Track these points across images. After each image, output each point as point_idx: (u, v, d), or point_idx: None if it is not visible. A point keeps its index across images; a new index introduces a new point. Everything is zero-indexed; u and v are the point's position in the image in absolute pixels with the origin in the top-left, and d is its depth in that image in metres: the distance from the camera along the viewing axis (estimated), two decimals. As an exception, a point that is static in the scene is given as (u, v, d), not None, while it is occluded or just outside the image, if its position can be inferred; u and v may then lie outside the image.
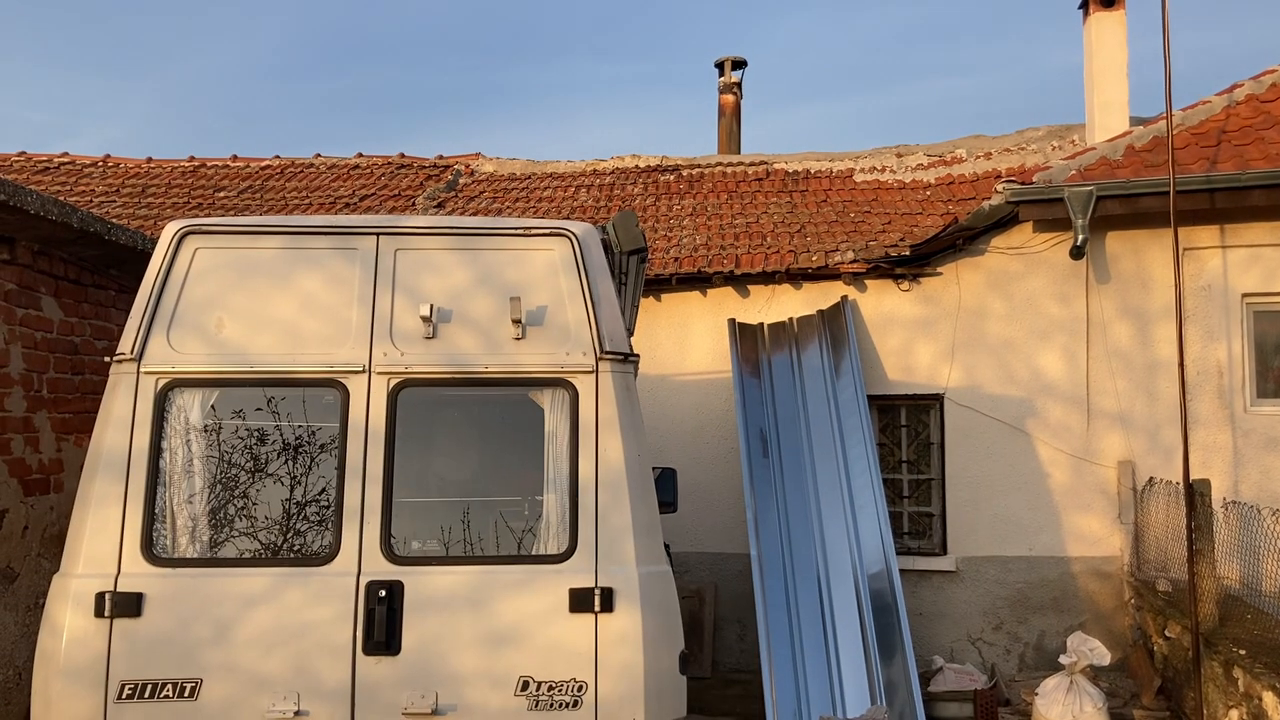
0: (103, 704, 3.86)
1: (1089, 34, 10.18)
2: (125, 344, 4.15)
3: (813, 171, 12.15)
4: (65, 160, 13.69)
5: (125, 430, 4.07)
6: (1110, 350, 8.57)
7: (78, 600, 3.92)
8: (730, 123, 14.36)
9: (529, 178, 12.83)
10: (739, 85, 14.44)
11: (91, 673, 3.87)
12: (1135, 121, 9.82)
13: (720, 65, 14.48)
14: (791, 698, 7.31)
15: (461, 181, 12.69)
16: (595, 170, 12.99)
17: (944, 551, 8.83)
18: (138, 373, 4.11)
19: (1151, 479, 8.16)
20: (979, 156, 11.73)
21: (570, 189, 12.22)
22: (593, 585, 3.99)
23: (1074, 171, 8.23)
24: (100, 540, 3.98)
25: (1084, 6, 10.24)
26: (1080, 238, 8.03)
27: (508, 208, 11.51)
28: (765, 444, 8.49)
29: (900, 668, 7.47)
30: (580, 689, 3.94)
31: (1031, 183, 8.15)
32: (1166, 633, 7.22)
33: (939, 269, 8.94)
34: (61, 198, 5.99)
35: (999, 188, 8.20)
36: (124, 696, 3.87)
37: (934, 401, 8.98)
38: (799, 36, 55.31)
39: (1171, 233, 6.64)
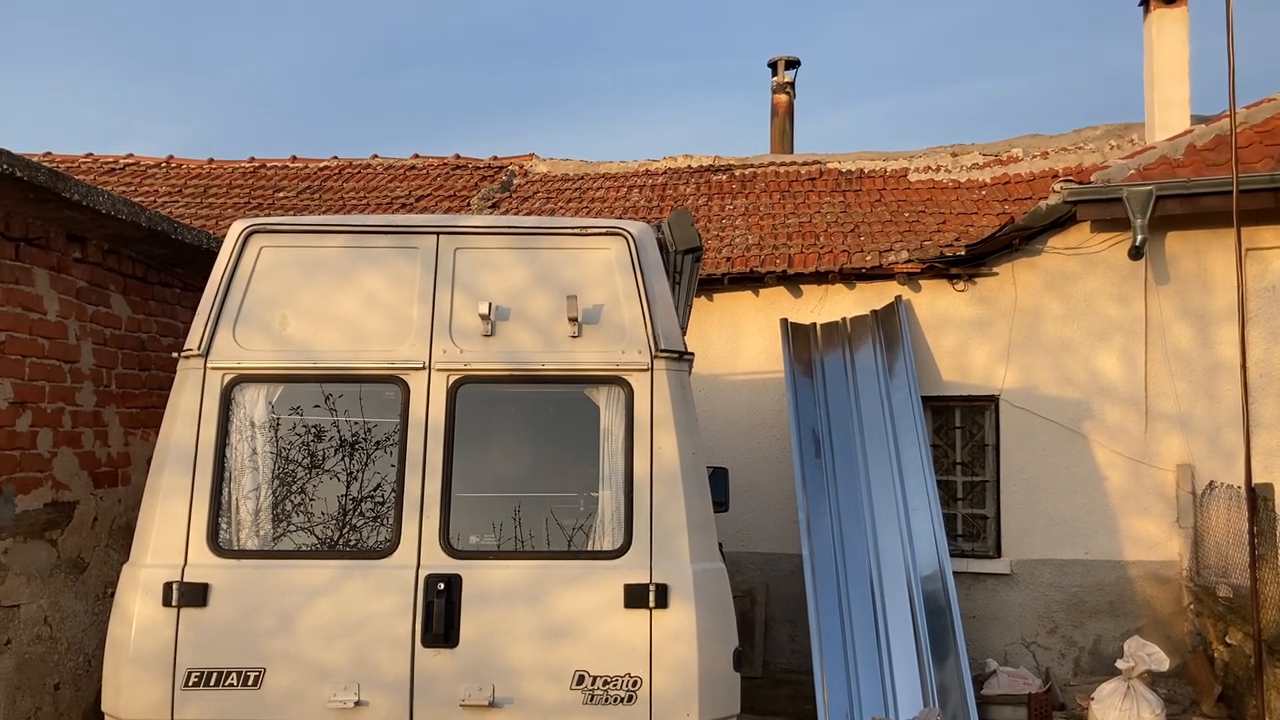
0: (170, 691, 3.96)
1: (1149, 31, 10.04)
2: (192, 340, 4.24)
3: (866, 171, 12.10)
4: (130, 161, 14.00)
5: (192, 424, 4.17)
6: (1170, 352, 8.44)
7: (146, 590, 4.02)
8: (783, 122, 14.33)
9: (582, 178, 12.89)
10: (792, 85, 14.41)
11: (160, 660, 3.97)
12: (1196, 120, 9.67)
13: (773, 65, 14.45)
14: (844, 699, 7.29)
15: (516, 182, 12.79)
16: (648, 170, 13.02)
17: (998, 554, 8.76)
18: (204, 368, 4.21)
19: (1212, 483, 8.03)
20: (1035, 156, 11.61)
21: (623, 189, 12.27)
22: (647, 581, 4.02)
23: (1133, 171, 8.12)
24: (168, 532, 4.08)
25: (1144, 3, 10.11)
26: (1139, 238, 7.92)
27: (561, 208, 11.59)
28: (818, 444, 8.47)
29: (953, 670, 7.42)
30: (635, 684, 3.97)
31: (1089, 182, 8.06)
32: (1228, 639, 7.10)
33: (995, 269, 8.87)
34: (127, 198, 6.15)
35: (1056, 187, 8.11)
36: (191, 684, 3.97)
37: (989, 403, 8.91)
38: (853, 36, 54.98)
39: (1234, 232, 6.53)
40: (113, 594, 4.23)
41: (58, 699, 5.53)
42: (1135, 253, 8.11)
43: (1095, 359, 8.62)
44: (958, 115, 49.88)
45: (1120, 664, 6.94)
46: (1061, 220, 8.52)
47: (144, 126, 49.86)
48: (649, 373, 4.22)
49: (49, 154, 13.77)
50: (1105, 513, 8.51)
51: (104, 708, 4.05)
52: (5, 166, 4.58)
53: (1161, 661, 6.86)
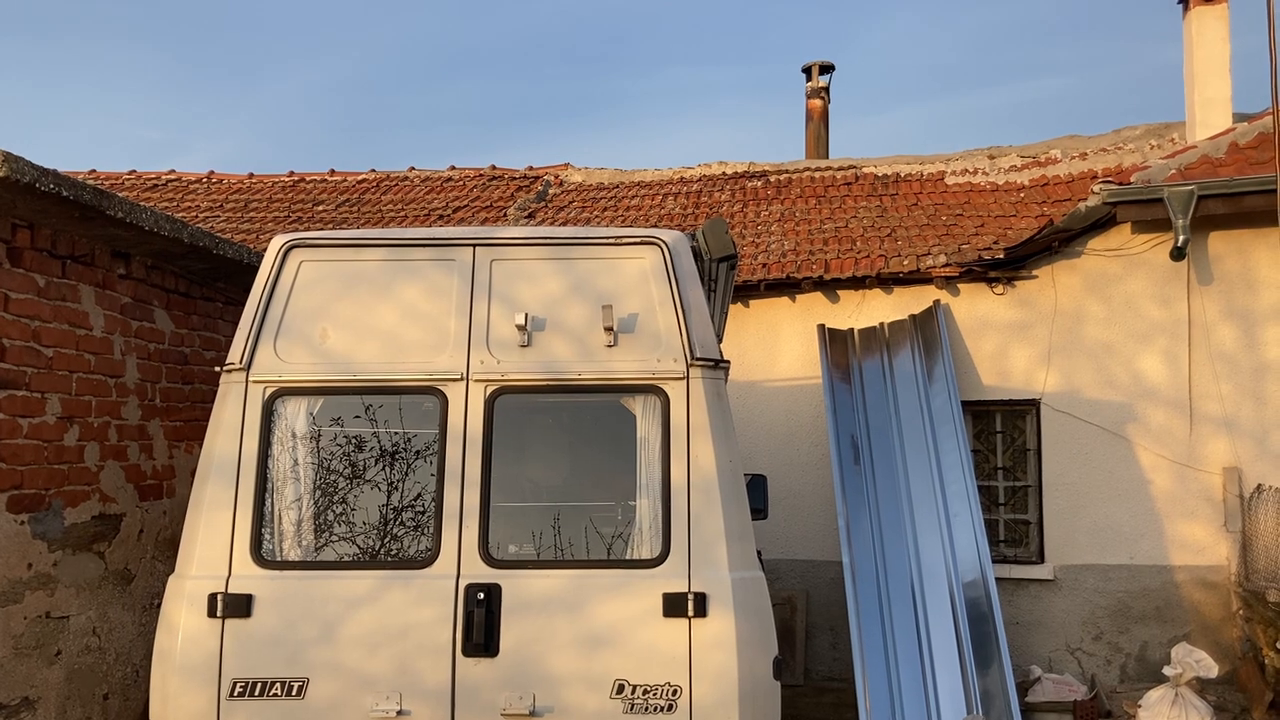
0: (216, 701, 4.01)
1: (1189, 29, 9.92)
2: (234, 354, 4.30)
3: (903, 175, 12.03)
4: (172, 178, 14.21)
5: (235, 437, 4.22)
6: (1214, 353, 8.33)
7: (192, 601, 4.07)
8: (818, 127, 14.29)
9: (616, 187, 12.93)
10: (827, 90, 14.38)
11: (205, 670, 4.02)
12: (1238, 118, 9.54)
13: (808, 70, 14.43)
14: (885, 707, 7.24)
15: (551, 192, 12.85)
16: (682, 178, 13.04)
17: (1041, 560, 8.67)
18: (246, 381, 4.27)
19: (1260, 486, 7.91)
20: (1074, 157, 11.49)
21: (657, 197, 12.29)
22: (686, 590, 4.03)
23: (1174, 171, 8.02)
24: (212, 543, 4.14)
25: (1184, 1, 9.99)
26: (1181, 238, 7.82)
27: (596, 217, 11.63)
28: (856, 450, 8.43)
29: (997, 677, 7.35)
30: (675, 693, 3.97)
31: (1129, 183, 7.97)
32: (1278, 645, 6.98)
33: (1034, 272, 8.79)
34: (169, 214, 6.25)
35: (1096, 188, 8.03)
36: (236, 694, 4.02)
37: (1030, 407, 8.82)
38: (888, 41, 54.72)
39: (1278, 231, 6.44)
40: (159, 605, 4.29)
41: (106, 709, 5.61)
42: (1177, 253, 8.01)
43: (1138, 361, 8.51)
44: (995, 118, 49.49)
45: (1168, 670, 6.84)
46: (1101, 222, 8.43)
47: (188, 142, 50.64)
48: (685, 381, 4.23)
49: (94, 171, 14.01)
50: (1150, 517, 8.40)
51: (151, 717, 4.10)
52: (52, 186, 4.67)
53: (1210, 668, 6.75)
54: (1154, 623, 8.37)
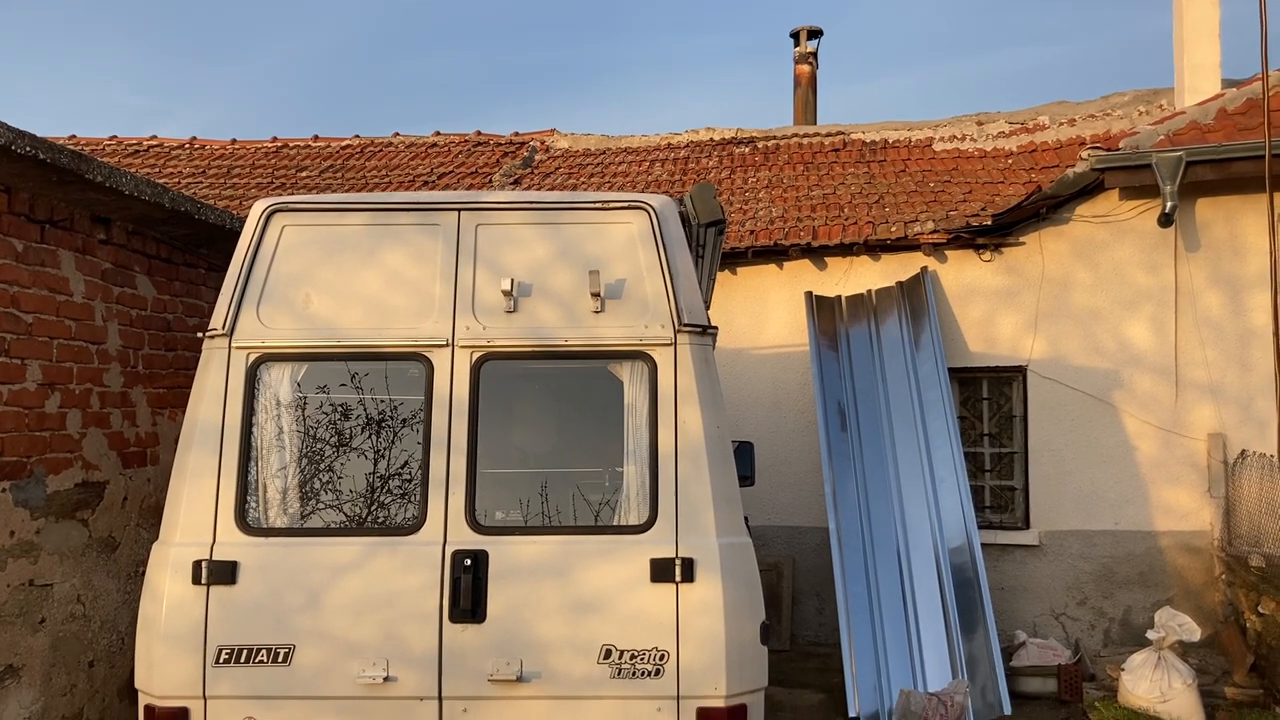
0: (202, 667, 3.99)
1: (1179, -6, 9.86)
2: (217, 319, 4.25)
3: (891, 141, 11.98)
4: (154, 144, 14.05)
5: (218, 404, 4.18)
6: (1200, 320, 8.34)
7: (176, 568, 4.04)
8: (806, 93, 14.21)
9: (604, 153, 12.84)
10: (814, 55, 14.28)
11: (191, 638, 4.00)
12: (1227, 84, 9.50)
13: (795, 35, 14.33)
14: (871, 671, 7.29)
15: (537, 158, 12.76)
16: (669, 144, 12.96)
17: (1027, 525, 8.71)
18: (229, 347, 4.22)
19: (1244, 451, 7.95)
20: (1062, 123, 11.46)
21: (644, 163, 12.21)
22: (673, 555, 4.01)
23: (1162, 137, 8.00)
24: (196, 511, 4.10)
25: (1174, -35, 9.92)
26: (1169, 205, 7.81)
27: (583, 183, 11.55)
28: (843, 417, 8.44)
29: (982, 642, 7.40)
30: (662, 658, 3.97)
31: (1118, 149, 7.94)
32: (1260, 609, 7.04)
33: (1021, 239, 8.78)
34: (151, 179, 6.17)
35: (1084, 155, 8.00)
36: (221, 661, 4.00)
37: (1017, 374, 8.84)
38: (876, 7, 54.37)
39: (1266, 198, 6.43)
40: (144, 573, 4.27)
41: (92, 675, 5.60)
42: (1165, 220, 8.00)
43: (1124, 328, 8.53)
44: (983, 85, 49.31)
45: (1151, 634, 6.89)
46: (1089, 188, 8.42)
47: (170, 110, 50.11)
48: (672, 347, 4.20)
49: (74, 137, 13.84)
50: (1135, 483, 8.45)
51: (137, 684, 4.09)
52: (29, 149, 4.59)
53: (1193, 632, 6.81)
54: (1138, 588, 8.43)
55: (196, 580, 4.03)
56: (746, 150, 12.34)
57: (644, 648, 3.99)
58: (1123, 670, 6.87)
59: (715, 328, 4.38)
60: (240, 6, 53.33)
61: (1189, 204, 8.26)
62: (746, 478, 5.32)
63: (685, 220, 4.59)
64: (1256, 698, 6.83)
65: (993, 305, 8.85)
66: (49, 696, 5.23)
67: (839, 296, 9.17)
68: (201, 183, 12.28)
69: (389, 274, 4.32)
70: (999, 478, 8.99)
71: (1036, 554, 8.64)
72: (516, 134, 13.66)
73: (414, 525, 4.10)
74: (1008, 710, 7.15)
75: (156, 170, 12.80)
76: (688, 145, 12.83)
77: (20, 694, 5.02)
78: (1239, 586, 7.57)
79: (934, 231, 8.87)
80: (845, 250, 9.16)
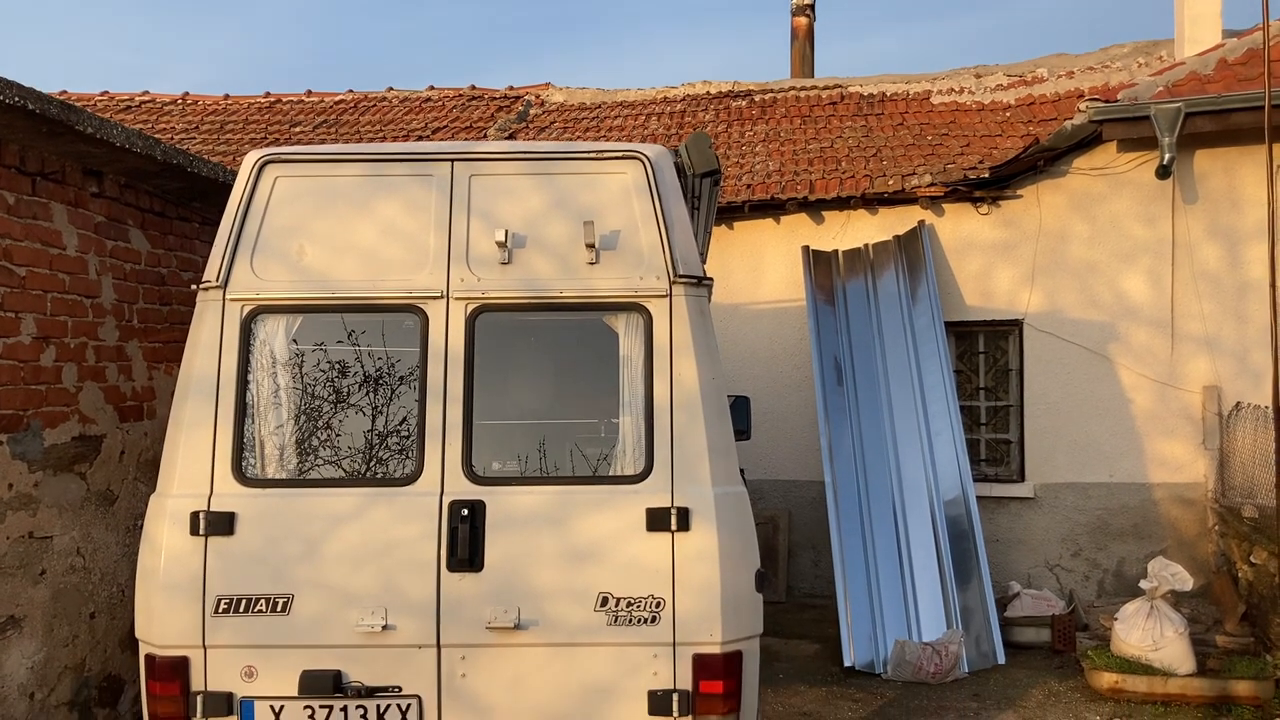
0: (201, 617, 4.02)
1: (1180, -57, 9.76)
2: (210, 272, 4.23)
3: (888, 94, 11.90)
4: (146, 99, 13.93)
5: (213, 356, 4.17)
6: (1197, 272, 8.34)
7: (174, 519, 4.06)
8: (803, 46, 14.09)
9: (599, 106, 12.75)
10: (812, 7, 14.16)
11: (189, 588, 4.02)
12: (1228, 34, 9.42)
13: (793, -13, 14.18)
14: (867, 622, 7.36)
15: (532, 112, 12.67)
16: (666, 98, 12.86)
17: (1022, 478, 8.76)
18: (223, 300, 4.20)
19: (1239, 403, 7.97)
20: (1061, 75, 11.37)
21: (641, 117, 12.13)
22: (669, 505, 4.03)
23: (1161, 88, 7.94)
24: (193, 462, 4.11)
25: (1175, -86, 9.81)
26: (1167, 156, 7.78)
27: (578, 137, 11.48)
28: (840, 372, 8.45)
29: (976, 593, 7.47)
30: (658, 605, 4.00)
31: (1116, 101, 7.89)
32: (1252, 559, 7.10)
33: (1019, 191, 8.75)
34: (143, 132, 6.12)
35: (1082, 106, 7.96)
36: (220, 610, 4.02)
37: (1013, 327, 8.84)
38: (873, -43, 53.74)
39: (1265, 149, 6.39)
40: (142, 526, 4.28)
41: (94, 627, 5.64)
42: (1163, 172, 7.97)
43: (1121, 281, 8.52)
44: (982, 39, 48.89)
45: (1144, 584, 6.95)
46: (1087, 140, 8.37)
47: (162, 67, 49.65)
48: (668, 299, 4.18)
49: (64, 92, 13.71)
50: (1130, 435, 8.48)
51: (137, 634, 4.12)
52: (17, 99, 4.55)
53: (1185, 581, 6.86)
54: (1131, 539, 8.49)
55: (195, 531, 4.05)
56: (743, 104, 12.25)
57: (640, 595, 4.01)
58: (1115, 620, 6.93)
59: (710, 279, 4.37)
60: (231, -39, 52.70)
61: (1187, 156, 8.23)
62: (743, 432, 5.32)
63: (680, 170, 4.56)
64: (1247, 646, 6.91)
65: (990, 258, 8.84)
66: (51, 647, 5.27)
67: (836, 251, 9.15)
68: (195, 138, 12.20)
69: (383, 226, 4.30)
70: (995, 431, 9.02)
71: (1031, 506, 8.69)
72: (511, 88, 13.55)
73: (411, 476, 4.12)
74: (1002, 660, 7.23)
75: (149, 126, 12.70)
76: (684, 99, 12.73)
77: (23, 644, 5.06)
78: (1232, 537, 7.63)
79: (931, 185, 8.84)
80: (842, 204, 9.12)
